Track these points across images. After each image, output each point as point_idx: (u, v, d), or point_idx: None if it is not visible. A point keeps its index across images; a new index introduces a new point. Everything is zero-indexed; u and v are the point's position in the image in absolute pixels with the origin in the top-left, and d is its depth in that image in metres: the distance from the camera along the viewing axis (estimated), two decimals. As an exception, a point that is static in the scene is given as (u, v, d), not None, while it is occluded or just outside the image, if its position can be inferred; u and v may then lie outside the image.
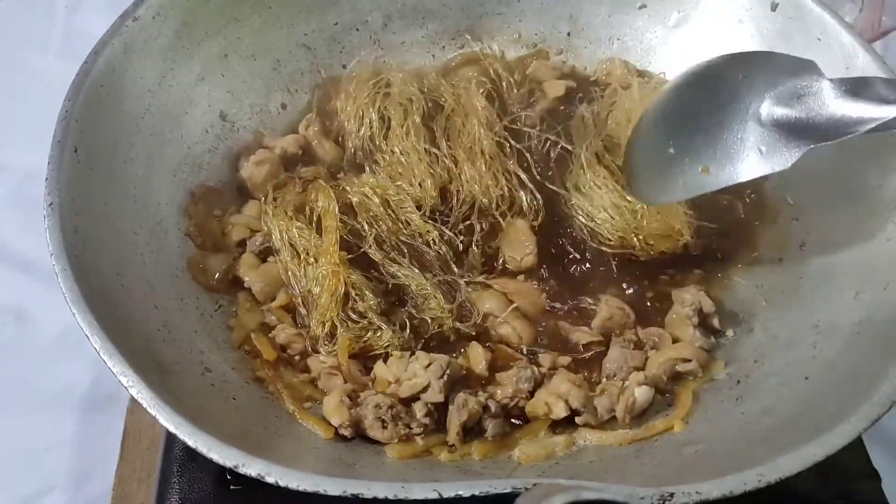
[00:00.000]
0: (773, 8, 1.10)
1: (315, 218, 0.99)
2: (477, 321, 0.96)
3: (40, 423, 1.13)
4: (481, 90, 1.13)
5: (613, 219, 1.00)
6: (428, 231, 1.00)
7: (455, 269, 1.00)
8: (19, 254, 1.28)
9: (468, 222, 1.02)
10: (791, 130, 0.87)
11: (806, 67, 0.89)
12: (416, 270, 0.97)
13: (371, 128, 1.10)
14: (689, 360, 0.93)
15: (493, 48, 1.25)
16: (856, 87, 0.85)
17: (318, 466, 0.80)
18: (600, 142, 1.06)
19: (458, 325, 0.95)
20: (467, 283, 0.99)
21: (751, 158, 0.89)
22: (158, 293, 0.90)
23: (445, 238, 1.00)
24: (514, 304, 0.97)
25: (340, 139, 1.13)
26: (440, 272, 0.99)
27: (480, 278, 1.00)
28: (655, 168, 0.98)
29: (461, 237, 1.01)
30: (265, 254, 1.01)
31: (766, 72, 0.91)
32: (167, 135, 1.02)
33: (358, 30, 1.21)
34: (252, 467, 0.67)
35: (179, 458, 0.92)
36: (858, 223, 0.96)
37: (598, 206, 1.01)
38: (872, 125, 0.81)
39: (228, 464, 0.67)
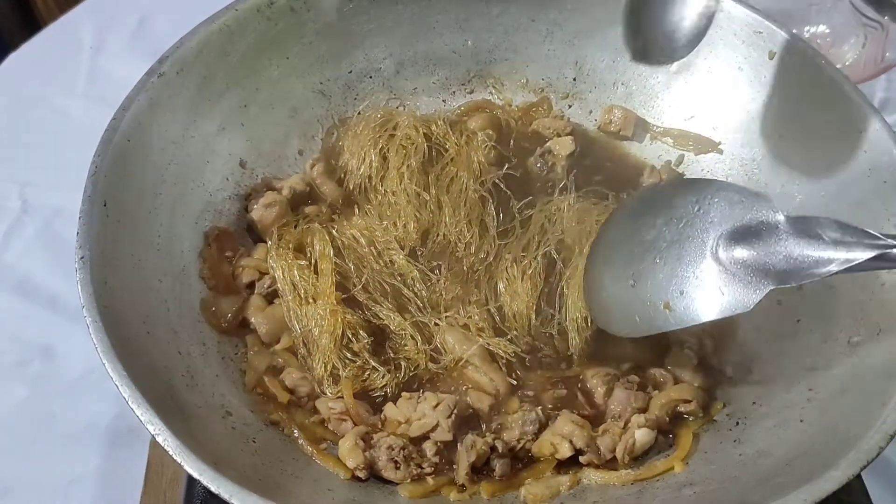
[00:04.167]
0: (771, 56, 1.13)
1: (312, 261, 1.03)
2: (448, 364, 0.99)
3: (66, 456, 1.16)
4: (485, 146, 1.18)
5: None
6: (411, 271, 1.05)
7: (429, 310, 1.03)
8: (46, 290, 1.31)
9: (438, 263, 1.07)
10: (750, 270, 0.84)
11: (760, 201, 0.87)
12: (396, 312, 1.01)
13: (370, 167, 1.14)
14: (690, 401, 0.97)
15: (502, 94, 1.31)
16: (809, 227, 0.82)
17: (335, 509, 0.84)
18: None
19: (430, 366, 0.99)
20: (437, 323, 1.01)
21: (712, 298, 0.87)
22: (182, 339, 0.94)
23: (429, 285, 1.05)
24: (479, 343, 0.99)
25: (343, 176, 1.17)
26: (417, 313, 1.02)
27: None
28: (615, 299, 0.97)
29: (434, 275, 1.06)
30: (272, 296, 1.04)
31: (721, 203, 0.90)
32: (190, 184, 1.06)
33: (371, 77, 1.26)
34: (272, 513, 0.71)
35: (202, 492, 0.95)
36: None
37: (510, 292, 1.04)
38: (835, 269, 0.78)
39: (250, 509, 0.71)
